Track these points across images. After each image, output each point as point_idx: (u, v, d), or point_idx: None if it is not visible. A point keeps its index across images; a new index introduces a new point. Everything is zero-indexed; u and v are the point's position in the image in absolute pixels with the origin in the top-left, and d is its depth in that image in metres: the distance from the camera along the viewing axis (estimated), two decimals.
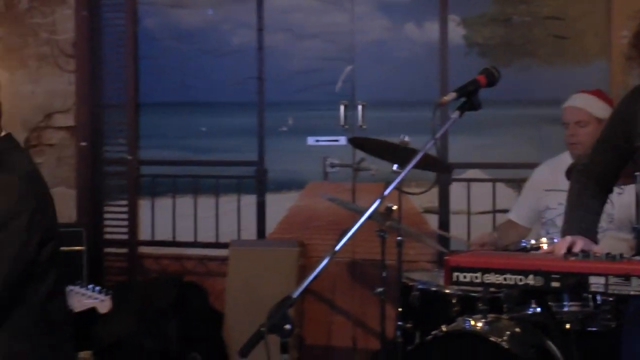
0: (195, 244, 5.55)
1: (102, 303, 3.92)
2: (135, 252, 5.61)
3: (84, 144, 5.63)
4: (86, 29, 5.66)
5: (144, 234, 5.65)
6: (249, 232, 5.46)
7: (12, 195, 2.70)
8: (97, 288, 3.83)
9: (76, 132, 5.65)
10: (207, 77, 5.58)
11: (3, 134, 2.88)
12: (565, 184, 3.04)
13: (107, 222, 5.70)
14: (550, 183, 4.07)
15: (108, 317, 4.90)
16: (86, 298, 3.90)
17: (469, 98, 2.50)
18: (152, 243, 5.63)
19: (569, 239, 2.65)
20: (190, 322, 5.06)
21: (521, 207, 4.29)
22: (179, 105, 5.68)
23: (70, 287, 3.86)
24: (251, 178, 5.48)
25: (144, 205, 5.69)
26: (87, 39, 5.68)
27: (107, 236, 5.68)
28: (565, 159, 3.98)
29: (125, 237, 5.65)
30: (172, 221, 5.61)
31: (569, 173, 3.45)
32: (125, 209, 5.67)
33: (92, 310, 3.81)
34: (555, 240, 2.87)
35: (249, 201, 5.48)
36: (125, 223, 5.66)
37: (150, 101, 5.71)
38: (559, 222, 3.80)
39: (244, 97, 5.48)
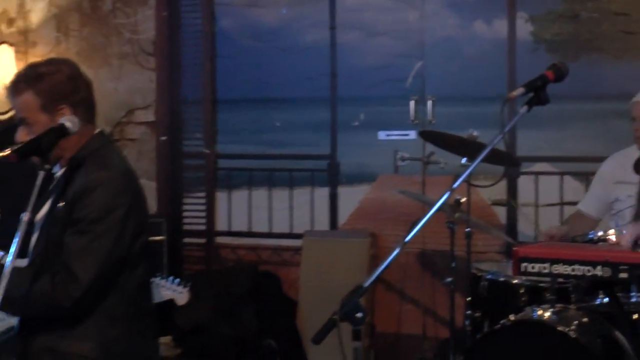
0: (270, 235, 5.59)
1: (180, 295, 3.99)
2: (213, 242, 5.66)
3: (163, 138, 5.69)
4: (166, 28, 5.72)
5: (221, 224, 5.70)
6: (322, 223, 5.48)
7: (111, 190, 2.76)
8: (177, 280, 3.89)
9: (156, 127, 5.72)
10: (282, 74, 5.61)
11: (96, 131, 2.94)
12: (633, 177, 3.00)
13: (186, 214, 5.76)
14: (619, 175, 4.01)
15: (187, 304, 4.98)
16: (166, 290, 3.97)
17: (537, 93, 2.49)
18: (229, 233, 5.68)
19: (637, 230, 2.62)
20: (265, 309, 5.10)
21: (590, 199, 4.23)
22: (254, 101, 5.72)
23: (151, 279, 3.94)
24: (324, 171, 5.50)
25: (221, 197, 5.74)
26: (167, 38, 5.74)
27: (186, 227, 5.74)
28: (633, 153, 3.92)
29: (203, 227, 5.71)
30: (247, 212, 5.65)
31: (637, 166, 3.40)
32: (203, 201, 5.73)
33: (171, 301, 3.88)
34: (624, 232, 2.84)
35: (322, 193, 5.50)
36: (203, 214, 5.71)
37: (227, 97, 5.76)
38: (628, 214, 3.76)
39: (317, 93, 5.51)
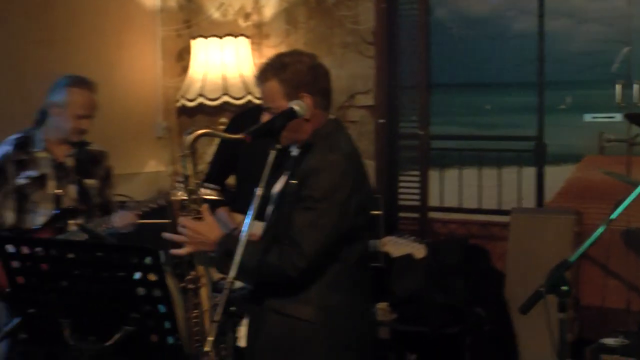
0: (479, 211, 5.56)
1: (418, 250, 4.08)
2: (426, 217, 5.69)
3: (381, 121, 5.76)
4: (385, 19, 5.77)
5: (433, 200, 5.73)
6: (529, 201, 5.41)
7: (336, 172, 2.84)
8: (412, 237, 3.99)
9: (375, 111, 5.79)
10: (492, 60, 5.56)
11: (332, 117, 3.03)
12: None
13: (401, 190, 5.81)
14: None
15: (402, 273, 5.04)
16: (404, 246, 4.08)
17: None
18: (441, 209, 5.69)
19: None
20: (475, 280, 5.08)
21: None
22: (465, 86, 5.71)
23: (389, 237, 4.05)
24: (531, 152, 5.41)
25: (433, 175, 5.76)
26: (385, 28, 5.79)
27: (401, 202, 5.79)
28: None
29: (417, 203, 5.74)
30: (458, 190, 5.65)
31: None
32: (417, 179, 5.76)
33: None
34: None
35: (529, 173, 5.42)
36: (417, 191, 5.74)
37: (440, 82, 5.76)
38: None
39: (525, 77, 5.42)
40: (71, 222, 4.05)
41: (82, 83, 4.06)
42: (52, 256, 2.55)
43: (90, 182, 4.13)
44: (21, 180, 3.99)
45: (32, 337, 2.67)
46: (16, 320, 2.64)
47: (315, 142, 2.92)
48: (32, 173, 3.99)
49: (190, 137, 2.98)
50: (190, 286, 3.09)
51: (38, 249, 2.58)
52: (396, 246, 4.11)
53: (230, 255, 2.65)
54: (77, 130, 4.05)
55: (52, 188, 4.01)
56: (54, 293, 2.57)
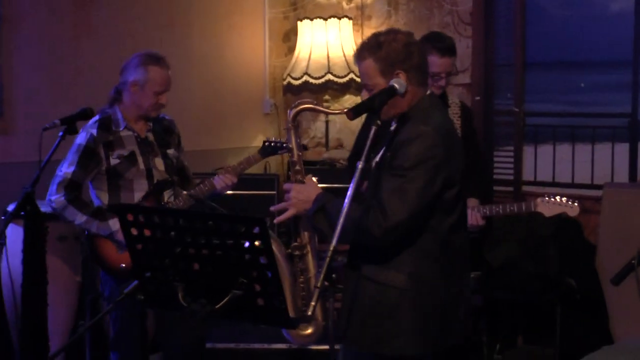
0: (572, 185, 5.43)
1: (571, 209, 4.03)
2: (520, 191, 5.59)
3: (478, 98, 5.67)
4: (482, 0, 5.66)
5: (527, 175, 5.62)
6: (621, 176, 5.26)
7: (426, 143, 2.80)
8: (564, 198, 3.97)
9: (472, 89, 5.71)
10: (587, 40, 5.40)
11: (428, 92, 2.99)
12: None
13: (496, 165, 5.72)
14: None
15: (495, 243, 4.97)
16: (557, 205, 4.04)
17: None
18: (534, 183, 5.59)
19: None
20: (567, 251, 4.98)
21: None
22: (560, 64, 5.58)
23: (541, 199, 4.05)
24: (624, 128, 5.24)
25: (527, 150, 5.65)
26: (482, 9, 5.69)
27: (496, 176, 5.71)
28: None
29: (511, 177, 5.64)
30: (552, 165, 5.53)
31: None
32: (511, 154, 5.66)
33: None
34: None
35: (622, 149, 5.26)
36: (511, 166, 5.64)
37: (535, 61, 5.63)
38: None
39: (620, 56, 5.24)
40: (167, 192, 4.07)
41: (158, 60, 3.99)
42: (167, 224, 2.58)
43: (170, 151, 4.12)
44: (115, 160, 3.96)
45: (148, 298, 2.72)
46: (134, 283, 2.69)
47: (410, 116, 2.90)
48: (123, 152, 3.97)
49: (293, 111, 3.02)
50: (297, 252, 3.11)
51: (155, 218, 2.61)
52: (548, 206, 4.07)
53: (324, 210, 2.68)
54: (157, 106, 4.01)
55: (142, 164, 3.99)
56: (169, 259, 2.61)
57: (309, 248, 3.13)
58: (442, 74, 4.24)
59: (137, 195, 3.98)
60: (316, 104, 3.17)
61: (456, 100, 4.61)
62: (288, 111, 3.08)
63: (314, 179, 3.04)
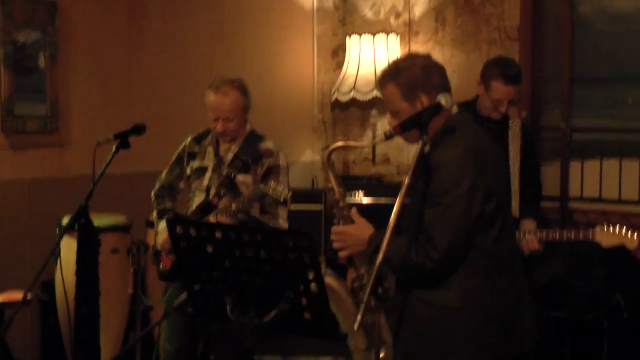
0: (619, 202, 5.36)
1: (631, 241, 3.89)
2: (566, 207, 5.54)
3: (525, 113, 5.64)
4: (529, 16, 5.64)
5: (573, 191, 5.56)
6: None
7: (456, 165, 2.84)
8: (625, 227, 3.84)
9: (519, 103, 5.66)
10: (634, 55, 5.34)
11: (455, 110, 3.00)
12: None
13: (543, 179, 5.67)
14: None
15: (540, 259, 4.93)
16: (616, 235, 3.91)
17: None
18: (581, 199, 5.52)
19: None
20: (615, 269, 4.91)
21: None
22: (607, 80, 5.52)
23: (600, 227, 3.92)
24: None
25: (574, 166, 5.59)
26: (530, 25, 5.67)
27: (542, 192, 5.64)
28: None
29: (557, 193, 5.59)
30: (599, 181, 5.46)
31: None
32: (558, 169, 5.61)
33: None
34: None
35: None
36: (558, 181, 5.59)
37: (582, 76, 5.58)
38: None
39: None
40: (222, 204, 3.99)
41: (211, 86, 3.97)
42: (216, 238, 2.61)
43: (243, 177, 4.00)
44: (189, 170, 4.09)
45: (198, 311, 2.75)
46: (184, 296, 2.73)
47: (441, 137, 2.91)
48: (197, 164, 4.06)
49: (327, 152, 3.08)
50: (356, 284, 3.11)
51: (204, 232, 2.65)
52: (607, 235, 3.95)
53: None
54: (215, 133, 4.01)
55: (207, 180, 4.03)
56: (218, 272, 2.64)
57: (367, 278, 3.13)
58: (504, 101, 4.22)
59: (191, 209, 4.05)
60: (347, 142, 3.21)
61: (517, 121, 4.53)
62: (321, 152, 3.12)
63: (360, 198, 3.06)
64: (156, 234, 4.05)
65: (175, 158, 4.18)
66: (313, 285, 2.53)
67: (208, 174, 4.04)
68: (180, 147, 4.17)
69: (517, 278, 3.05)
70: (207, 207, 3.97)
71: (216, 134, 4.02)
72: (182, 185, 4.20)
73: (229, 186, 3.99)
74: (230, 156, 4.03)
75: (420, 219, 2.86)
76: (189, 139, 4.15)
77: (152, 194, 4.20)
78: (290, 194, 3.76)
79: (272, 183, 3.76)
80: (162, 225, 3.97)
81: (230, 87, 3.94)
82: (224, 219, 3.84)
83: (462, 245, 2.84)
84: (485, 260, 2.90)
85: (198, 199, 4.04)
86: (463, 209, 2.80)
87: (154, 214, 4.16)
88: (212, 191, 4.01)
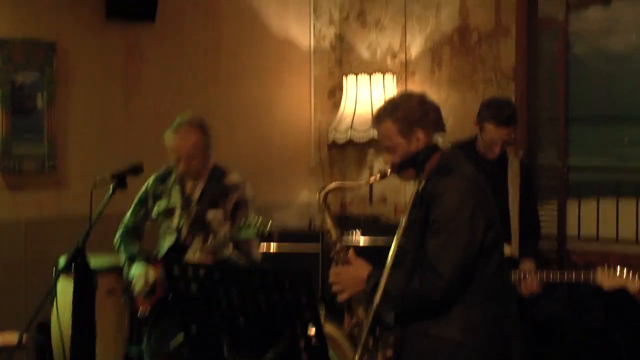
0: (616, 241, 5.33)
1: (632, 283, 3.85)
2: (564, 247, 5.52)
3: (521, 152, 5.65)
4: (525, 56, 5.68)
5: (571, 230, 5.55)
6: None
7: (456, 193, 2.85)
8: (626, 269, 3.80)
9: (515, 143, 5.68)
10: (630, 94, 5.37)
11: (449, 146, 3.02)
12: None
13: (540, 219, 5.66)
14: None
15: (539, 298, 4.91)
16: (617, 278, 3.87)
17: None
18: (578, 239, 5.50)
19: None
20: (613, 307, 4.89)
21: None
22: (603, 119, 5.52)
23: (601, 268, 3.87)
24: None
25: (571, 205, 5.58)
26: (525, 65, 5.70)
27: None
28: None
29: (554, 231, 5.58)
30: (596, 220, 5.44)
31: None
32: (555, 208, 5.60)
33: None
34: None
35: None
36: (555, 221, 5.58)
37: (578, 116, 5.59)
38: None
39: None
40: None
41: (171, 126, 4.01)
42: (214, 279, 2.61)
43: (214, 213, 4.01)
44: (155, 212, 4.06)
45: (194, 351, 2.74)
46: (180, 338, 2.71)
47: (437, 171, 2.93)
48: (163, 205, 4.05)
49: (322, 194, 3.08)
50: (356, 331, 3.09)
51: (201, 272, 2.64)
52: (609, 277, 3.91)
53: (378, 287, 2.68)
54: (179, 172, 4.02)
55: (176, 220, 4.02)
56: (215, 313, 2.63)
57: (365, 322, 3.11)
58: (497, 142, 4.25)
59: (163, 251, 4.05)
60: (343, 182, 3.21)
61: (517, 160, 4.55)
62: (318, 193, 3.14)
63: (357, 238, 3.07)
64: (128, 278, 4.01)
65: (139, 199, 4.13)
66: (312, 332, 2.52)
67: (177, 214, 4.02)
68: (143, 188, 4.12)
69: (514, 313, 3.05)
70: (177, 248, 3.99)
71: (180, 173, 4.01)
72: (147, 227, 4.16)
73: (201, 224, 3.99)
74: (197, 194, 4.02)
75: (417, 256, 2.85)
76: (152, 179, 4.12)
77: (116, 238, 4.14)
78: (269, 223, 3.77)
79: (253, 221, 3.76)
80: (138, 269, 3.95)
81: (189, 126, 3.96)
82: (203, 258, 3.86)
83: (466, 273, 2.84)
84: (484, 292, 2.90)
85: (168, 241, 4.02)
86: (468, 235, 2.82)
87: (122, 258, 4.10)
88: (184, 231, 4.00)
